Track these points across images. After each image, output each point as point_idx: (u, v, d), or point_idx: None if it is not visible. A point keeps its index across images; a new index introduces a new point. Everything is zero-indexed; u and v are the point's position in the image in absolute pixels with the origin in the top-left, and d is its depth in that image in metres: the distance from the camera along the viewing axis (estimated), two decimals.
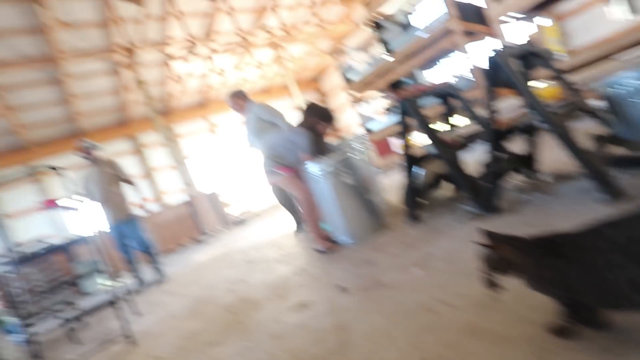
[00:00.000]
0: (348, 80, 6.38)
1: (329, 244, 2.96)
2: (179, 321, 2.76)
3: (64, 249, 3.71)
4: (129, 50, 8.21)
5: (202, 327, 2.40)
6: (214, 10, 7.13)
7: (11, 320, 3.83)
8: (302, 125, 3.16)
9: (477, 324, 1.28)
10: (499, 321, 1.24)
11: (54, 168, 2.87)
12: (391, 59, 5.26)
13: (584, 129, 2.17)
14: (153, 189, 11.20)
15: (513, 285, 1.39)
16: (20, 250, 3.07)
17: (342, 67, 6.43)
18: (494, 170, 2.14)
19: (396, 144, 6.57)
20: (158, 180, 11.37)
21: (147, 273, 4.85)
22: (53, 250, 3.02)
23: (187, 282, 4.13)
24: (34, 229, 9.45)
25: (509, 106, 5.02)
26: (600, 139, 1.98)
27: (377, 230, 2.89)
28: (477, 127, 2.58)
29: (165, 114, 11.52)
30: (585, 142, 2.02)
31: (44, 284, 3.98)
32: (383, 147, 6.66)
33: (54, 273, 4.39)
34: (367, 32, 6.71)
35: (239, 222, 8.49)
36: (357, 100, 6.38)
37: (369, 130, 6.14)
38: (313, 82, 14.48)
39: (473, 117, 2.72)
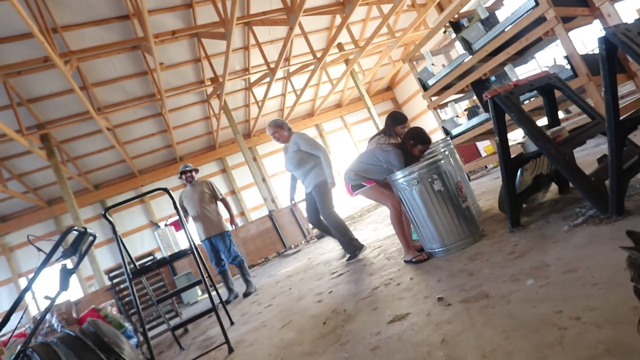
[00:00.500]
0: (425, 86, 6.17)
1: (419, 254, 2.82)
2: (271, 331, 2.84)
3: (168, 263, 4.09)
4: (216, 81, 9.02)
5: (295, 337, 2.44)
6: (290, 35, 7.51)
7: (128, 325, 4.33)
8: (398, 146, 3.04)
9: (617, 340, 1.08)
10: None
11: (165, 190, 3.22)
12: (473, 58, 4.96)
13: None
14: (239, 206, 12.01)
15: None
16: (134, 265, 3.47)
17: (418, 73, 6.25)
18: (618, 166, 1.84)
19: (481, 147, 6.11)
20: (244, 197, 12.16)
21: (237, 285, 5.15)
22: (160, 264, 3.35)
23: (274, 293, 4.26)
24: (141, 245, 10.78)
25: (626, 92, 4.37)
26: None
27: (472, 238, 2.68)
28: (589, 119, 2.27)
29: (248, 135, 12.38)
30: None
31: (153, 295, 4.45)
32: (467, 152, 6.25)
33: (160, 284, 4.88)
34: (444, 34, 6.47)
35: (320, 235, 8.60)
36: (436, 106, 6.12)
37: (451, 136, 5.82)
38: (387, 91, 14.33)
39: (584, 108, 2.40)
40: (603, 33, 1.74)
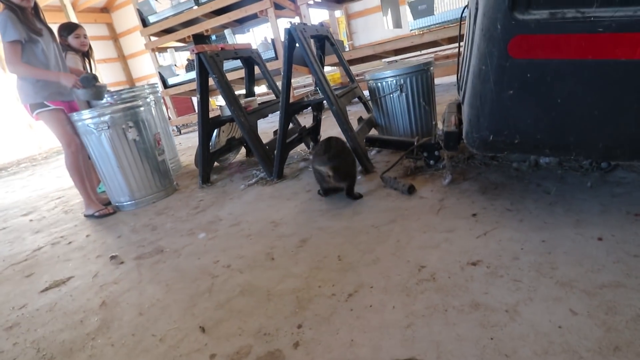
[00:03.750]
0: (145, 22, 5.48)
1: (102, 208, 2.51)
2: None
3: None
4: None
5: None
6: None
7: None
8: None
9: (250, 282, 1.33)
10: (269, 278, 1.33)
11: None
12: (198, 10, 4.81)
13: (356, 111, 2.58)
14: None
15: (288, 245, 1.51)
16: None
17: (139, 3, 5.44)
18: (285, 139, 2.28)
19: (196, 102, 6.20)
20: None
21: None
22: None
23: None
24: None
25: (305, 82, 5.46)
26: (360, 121, 2.39)
27: (165, 192, 2.65)
28: (274, 97, 2.67)
29: None
30: (355, 122, 2.40)
31: None
32: (182, 105, 6.14)
33: None
34: None
35: None
36: (155, 47, 5.58)
37: (166, 84, 5.52)
38: (102, 13, 11.78)
39: (271, 86, 2.80)
40: (288, 26, 2.04)
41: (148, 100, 2.76)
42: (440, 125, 2.16)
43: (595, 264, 1.01)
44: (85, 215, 2.58)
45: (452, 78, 4.95)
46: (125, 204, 2.55)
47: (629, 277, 0.94)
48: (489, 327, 0.89)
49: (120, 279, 1.59)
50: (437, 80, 5.34)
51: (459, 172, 1.83)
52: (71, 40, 2.78)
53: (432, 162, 1.88)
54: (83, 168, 2.45)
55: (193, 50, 2.28)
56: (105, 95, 2.97)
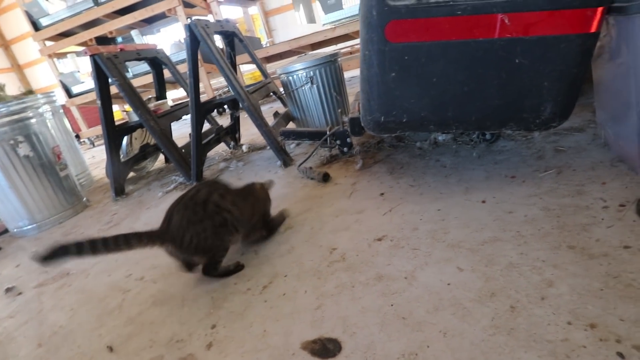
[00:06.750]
0: (36, 25, 4.91)
1: None
2: None
3: None
4: None
5: None
6: None
7: None
8: None
9: (164, 291, 1.27)
10: (185, 284, 1.28)
11: None
12: (98, 10, 4.43)
13: (271, 108, 2.57)
14: None
15: None
16: None
17: (26, 4, 4.85)
18: (199, 141, 2.20)
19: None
20: None
21: None
22: None
23: None
24: None
25: (219, 81, 5.31)
26: (276, 115, 2.40)
27: (73, 210, 2.41)
28: (187, 99, 2.56)
29: None
30: (270, 118, 2.39)
31: None
32: (94, 115, 5.63)
33: None
34: None
35: None
36: (53, 54, 5.03)
37: (71, 94, 5.02)
38: None
39: (184, 87, 2.69)
40: (188, 22, 1.97)
41: (41, 111, 2.48)
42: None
43: (479, 224, 1.13)
44: None
45: None
46: (25, 228, 2.28)
47: (505, 232, 1.06)
48: (390, 295, 0.95)
49: (17, 312, 1.42)
50: (353, 72, 5.52)
51: (370, 156, 1.92)
52: None
53: (345, 149, 1.95)
54: None
55: (86, 53, 2.09)
56: None
